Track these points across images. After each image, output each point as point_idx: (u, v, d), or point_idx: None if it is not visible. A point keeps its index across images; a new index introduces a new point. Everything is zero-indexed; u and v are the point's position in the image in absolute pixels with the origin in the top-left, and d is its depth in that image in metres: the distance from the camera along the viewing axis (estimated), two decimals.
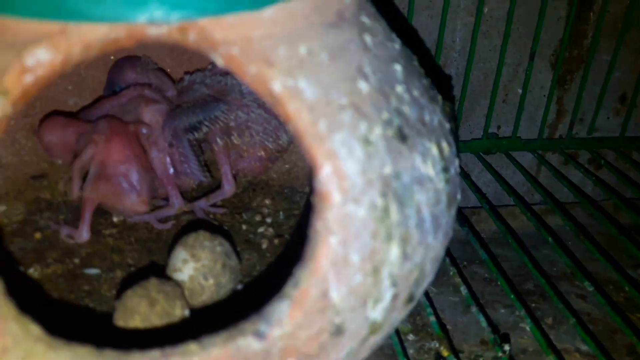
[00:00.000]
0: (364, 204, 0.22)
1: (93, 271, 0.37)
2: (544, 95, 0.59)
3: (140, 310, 0.29)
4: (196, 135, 0.42)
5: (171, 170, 0.42)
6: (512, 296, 0.43)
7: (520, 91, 0.58)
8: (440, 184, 0.26)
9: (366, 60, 0.24)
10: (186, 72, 0.46)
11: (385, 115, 0.24)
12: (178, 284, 0.31)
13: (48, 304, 0.34)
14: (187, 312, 0.30)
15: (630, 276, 0.46)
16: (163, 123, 0.42)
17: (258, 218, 0.44)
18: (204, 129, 0.42)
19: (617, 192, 0.55)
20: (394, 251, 0.24)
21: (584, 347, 0.46)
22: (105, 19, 0.20)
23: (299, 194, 0.47)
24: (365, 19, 0.26)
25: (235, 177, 0.45)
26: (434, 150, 0.26)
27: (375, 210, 0.23)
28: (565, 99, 0.60)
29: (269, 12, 0.22)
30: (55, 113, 0.44)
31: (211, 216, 0.44)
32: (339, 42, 0.24)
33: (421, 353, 0.45)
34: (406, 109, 0.25)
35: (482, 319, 0.41)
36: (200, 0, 0.21)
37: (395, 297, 0.25)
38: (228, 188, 0.44)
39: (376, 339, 0.26)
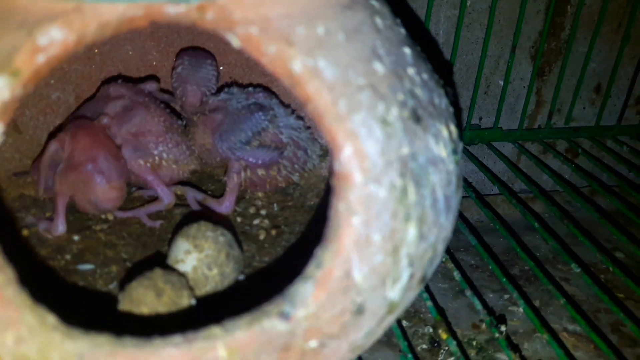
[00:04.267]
0: (384, 184, 0.22)
1: (87, 267, 0.36)
2: (524, 87, 0.61)
3: (147, 301, 0.28)
4: (249, 146, 0.41)
5: (140, 159, 0.41)
6: (504, 279, 0.44)
7: (501, 83, 0.59)
8: (451, 166, 0.26)
9: (379, 42, 0.25)
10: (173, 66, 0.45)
11: (400, 96, 0.24)
12: (182, 275, 0.31)
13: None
14: (193, 302, 0.30)
15: (615, 257, 0.48)
16: (123, 113, 0.41)
17: (252, 210, 0.44)
18: (255, 143, 0.41)
19: (595, 178, 0.57)
20: (412, 231, 0.24)
21: (571, 327, 0.48)
22: None
23: (291, 186, 0.47)
24: (374, 2, 0.26)
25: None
26: (445, 132, 0.26)
27: (395, 191, 0.23)
28: (543, 90, 0.62)
29: None
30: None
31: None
32: (353, 23, 0.24)
33: (415, 338, 0.46)
34: (418, 91, 0.25)
35: (476, 301, 0.41)
36: None
37: (411, 276, 0.25)
38: (226, 210, 0.42)
39: (391, 320, 0.26)
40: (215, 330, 0.21)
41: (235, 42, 0.22)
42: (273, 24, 0.22)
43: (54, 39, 0.20)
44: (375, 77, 0.23)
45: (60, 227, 0.38)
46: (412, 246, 0.24)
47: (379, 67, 0.24)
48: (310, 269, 0.22)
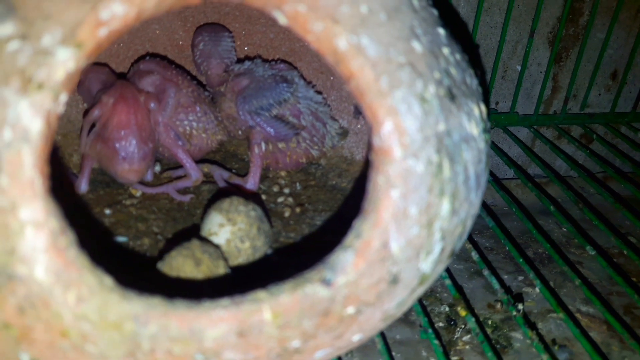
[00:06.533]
0: (422, 159, 0.23)
1: (120, 239, 0.38)
2: (541, 72, 0.61)
3: (186, 269, 0.29)
4: (267, 115, 0.42)
5: (180, 142, 0.42)
6: (521, 260, 0.45)
7: (518, 68, 0.60)
8: (482, 144, 0.27)
9: (416, 22, 0.25)
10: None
11: (437, 74, 0.25)
12: (217, 246, 0.32)
13: None
14: (229, 272, 0.31)
15: (629, 241, 0.49)
16: (158, 92, 0.42)
17: (276, 189, 0.45)
18: (274, 112, 0.42)
19: (609, 164, 0.58)
20: (445, 206, 0.25)
21: (584, 309, 0.49)
22: None
23: (313, 165, 0.48)
24: None
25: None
26: (476, 111, 0.27)
27: (431, 166, 0.24)
28: (560, 76, 0.62)
29: None
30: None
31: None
32: (393, 3, 0.25)
33: (432, 317, 0.47)
34: (453, 70, 0.26)
35: (494, 281, 0.42)
36: None
37: (442, 250, 0.26)
38: (251, 187, 0.44)
39: (420, 291, 0.27)
40: (261, 294, 0.22)
41: (282, 20, 0.23)
42: (320, 2, 0.22)
43: (115, 14, 0.20)
44: (414, 56, 0.24)
45: (84, 186, 0.41)
46: (445, 220, 0.25)
47: (417, 46, 0.25)
48: (350, 239, 0.23)
